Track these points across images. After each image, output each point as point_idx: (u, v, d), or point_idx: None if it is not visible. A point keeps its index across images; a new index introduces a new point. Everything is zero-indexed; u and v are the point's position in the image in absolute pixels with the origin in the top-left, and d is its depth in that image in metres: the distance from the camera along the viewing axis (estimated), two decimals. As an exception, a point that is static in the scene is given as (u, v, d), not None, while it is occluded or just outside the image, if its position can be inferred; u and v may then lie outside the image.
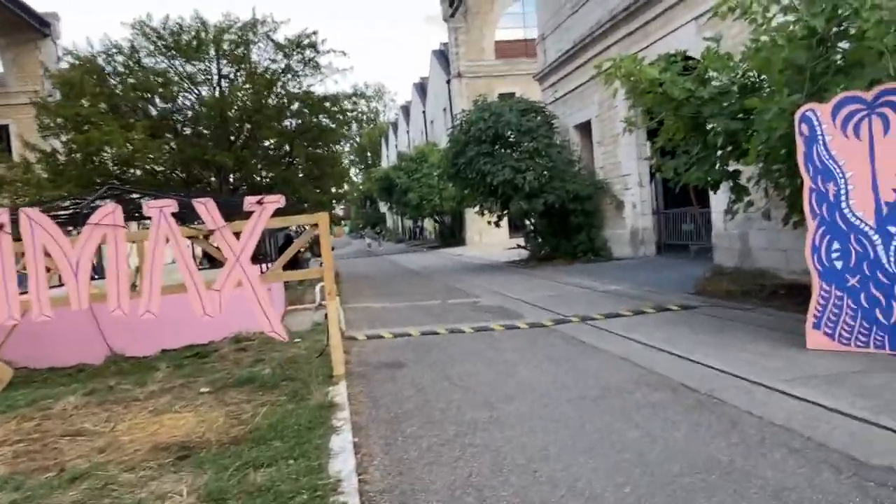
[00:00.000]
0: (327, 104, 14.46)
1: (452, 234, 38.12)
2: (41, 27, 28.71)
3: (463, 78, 35.90)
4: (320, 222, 6.31)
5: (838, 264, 6.17)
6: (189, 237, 6.28)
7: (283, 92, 13.35)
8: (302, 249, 17.42)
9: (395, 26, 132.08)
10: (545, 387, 5.72)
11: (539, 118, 19.62)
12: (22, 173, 12.26)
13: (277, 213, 6.37)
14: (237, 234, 6.14)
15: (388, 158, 69.27)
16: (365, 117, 16.29)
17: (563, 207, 18.22)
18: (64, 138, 12.31)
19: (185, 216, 13.78)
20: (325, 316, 9.82)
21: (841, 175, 6.13)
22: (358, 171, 78.90)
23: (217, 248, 6.12)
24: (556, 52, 20.57)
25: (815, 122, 6.24)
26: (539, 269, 17.66)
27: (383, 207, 56.62)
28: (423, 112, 48.83)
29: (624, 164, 17.44)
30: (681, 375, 5.77)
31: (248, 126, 13.27)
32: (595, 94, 18.52)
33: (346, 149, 20.57)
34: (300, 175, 14.03)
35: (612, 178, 18.12)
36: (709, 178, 8.96)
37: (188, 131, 13.26)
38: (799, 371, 5.53)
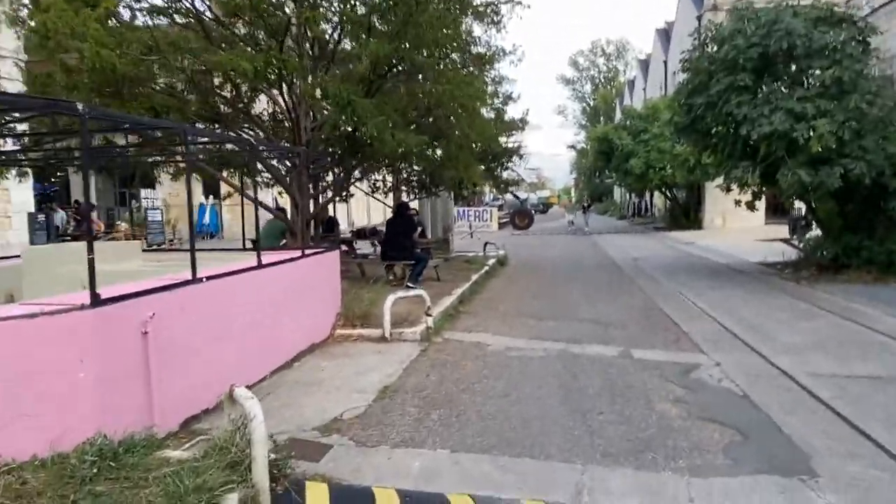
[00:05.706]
0: None
1: (686, 215, 29.81)
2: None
3: (720, 11, 27.19)
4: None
5: None
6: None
7: None
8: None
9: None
10: None
11: (845, 33, 11.66)
12: (42, 84, 8.37)
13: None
14: None
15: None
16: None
17: (876, 184, 10.43)
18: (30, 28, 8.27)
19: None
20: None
21: None
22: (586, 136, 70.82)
23: None
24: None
25: None
26: (821, 287, 10.23)
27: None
28: (665, 62, 39.78)
29: None
30: None
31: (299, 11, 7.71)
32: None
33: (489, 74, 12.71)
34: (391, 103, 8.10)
35: None
36: None
37: (208, 22, 8.30)
38: None
